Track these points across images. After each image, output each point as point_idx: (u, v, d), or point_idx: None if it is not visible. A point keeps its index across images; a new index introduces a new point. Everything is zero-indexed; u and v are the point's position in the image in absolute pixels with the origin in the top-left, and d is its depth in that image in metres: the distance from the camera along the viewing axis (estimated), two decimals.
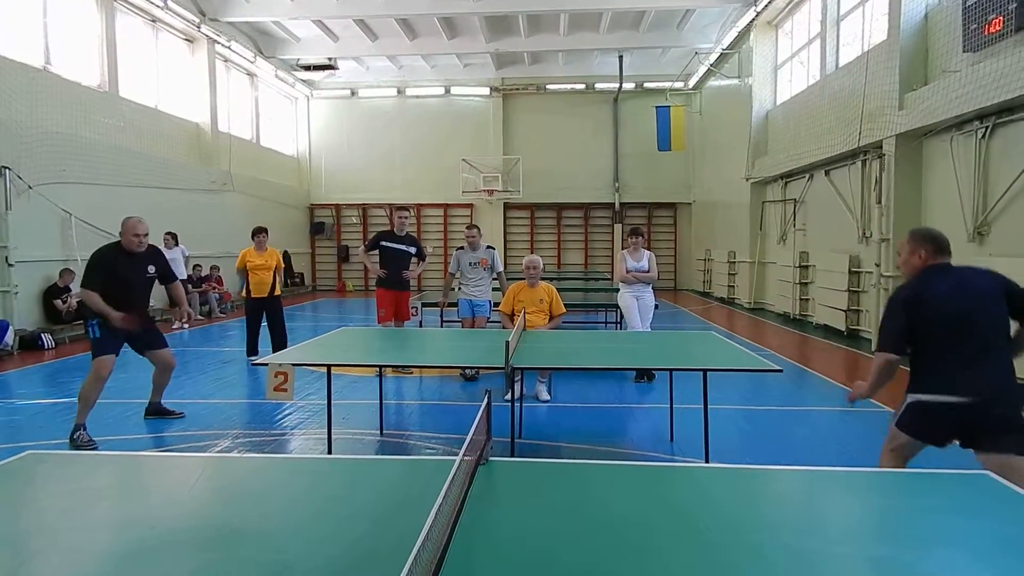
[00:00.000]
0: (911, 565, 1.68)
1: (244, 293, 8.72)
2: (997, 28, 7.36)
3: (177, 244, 13.05)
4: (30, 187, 10.28)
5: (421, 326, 8.38)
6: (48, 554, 1.73)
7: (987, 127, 7.93)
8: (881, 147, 9.78)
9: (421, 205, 21.72)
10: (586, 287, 13.48)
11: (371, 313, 15.07)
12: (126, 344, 5.56)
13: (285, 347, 8.59)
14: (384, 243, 7.84)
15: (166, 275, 5.77)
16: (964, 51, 8.01)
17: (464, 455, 1.94)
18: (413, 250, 7.90)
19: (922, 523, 1.97)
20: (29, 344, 9.75)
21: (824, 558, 1.71)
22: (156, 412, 6.00)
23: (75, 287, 10.78)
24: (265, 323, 8.73)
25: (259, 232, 8.79)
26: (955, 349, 3.01)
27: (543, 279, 6.75)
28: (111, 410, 6.22)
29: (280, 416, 6.01)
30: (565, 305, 6.68)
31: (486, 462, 2.29)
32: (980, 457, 3.04)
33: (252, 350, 8.67)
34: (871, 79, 9.92)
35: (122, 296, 5.26)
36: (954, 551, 1.75)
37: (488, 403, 2.40)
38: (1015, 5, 7.05)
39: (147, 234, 5.46)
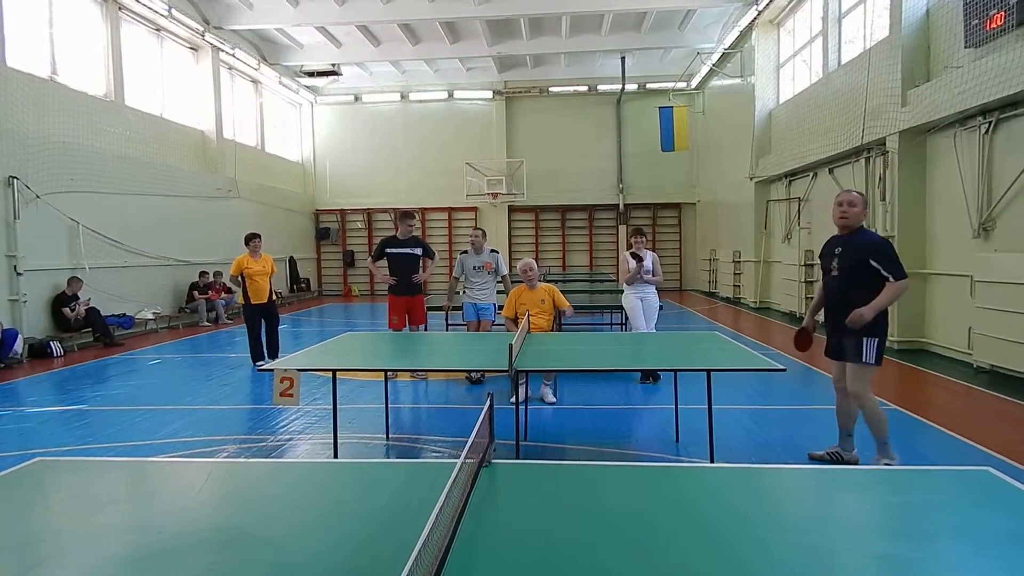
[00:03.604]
0: (916, 561, 1.69)
1: (242, 299, 8.67)
2: (999, 23, 7.34)
3: None
4: (38, 196, 10.37)
5: (426, 330, 8.39)
6: (57, 559, 1.76)
7: (991, 122, 7.90)
8: (884, 144, 9.76)
9: (425, 209, 21.76)
10: (591, 289, 13.48)
11: (377, 317, 15.13)
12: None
13: (277, 352, 8.64)
14: (389, 250, 7.69)
15: None
16: (966, 47, 7.99)
17: (465, 458, 1.96)
18: (419, 251, 7.77)
19: (926, 519, 1.98)
20: (38, 352, 9.83)
21: (830, 555, 1.72)
22: None
23: (83, 296, 10.88)
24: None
25: (253, 238, 8.70)
26: None
27: (548, 281, 6.78)
28: (120, 417, 6.27)
29: (286, 421, 6.04)
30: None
31: (489, 464, 2.31)
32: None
33: (257, 355, 8.70)
34: (873, 76, 9.90)
35: None
36: (958, 546, 1.76)
37: (490, 406, 2.42)
38: (1016, 0, 7.03)
39: None
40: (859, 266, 4.21)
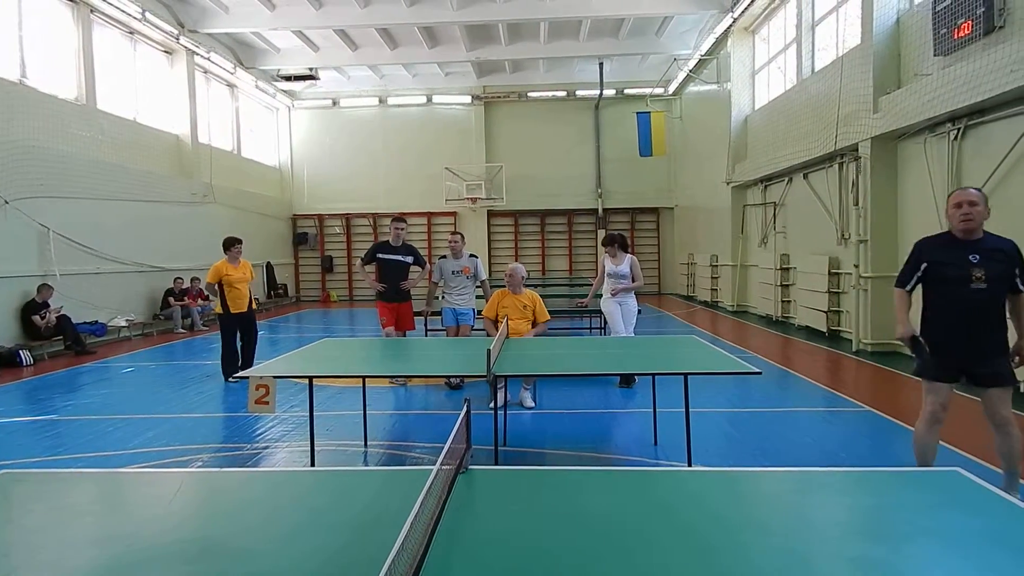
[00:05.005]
0: (887, 562, 1.71)
1: (220, 308, 8.05)
2: (966, 32, 7.51)
3: None
4: (6, 202, 10.15)
5: (405, 335, 8.36)
6: (26, 572, 1.72)
7: (959, 129, 8.07)
8: (857, 150, 9.93)
9: (404, 214, 21.42)
10: (571, 293, 13.52)
11: (356, 323, 15.05)
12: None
13: (251, 365, 8.13)
14: (381, 255, 7.66)
15: None
16: (935, 55, 8.16)
17: (441, 464, 1.95)
18: (410, 259, 7.74)
19: (897, 519, 2.01)
20: (7, 361, 9.60)
21: (805, 557, 1.74)
22: None
23: (54, 303, 10.66)
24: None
25: (234, 243, 8.13)
26: None
27: (527, 286, 6.80)
28: (91, 427, 6.15)
29: (262, 429, 5.97)
30: (549, 311, 6.71)
31: (466, 471, 2.30)
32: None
33: (231, 369, 8.09)
34: (846, 83, 10.07)
35: None
36: (929, 546, 1.79)
37: (467, 412, 2.41)
38: (983, 9, 7.21)
39: None
40: (1006, 277, 3.69)
